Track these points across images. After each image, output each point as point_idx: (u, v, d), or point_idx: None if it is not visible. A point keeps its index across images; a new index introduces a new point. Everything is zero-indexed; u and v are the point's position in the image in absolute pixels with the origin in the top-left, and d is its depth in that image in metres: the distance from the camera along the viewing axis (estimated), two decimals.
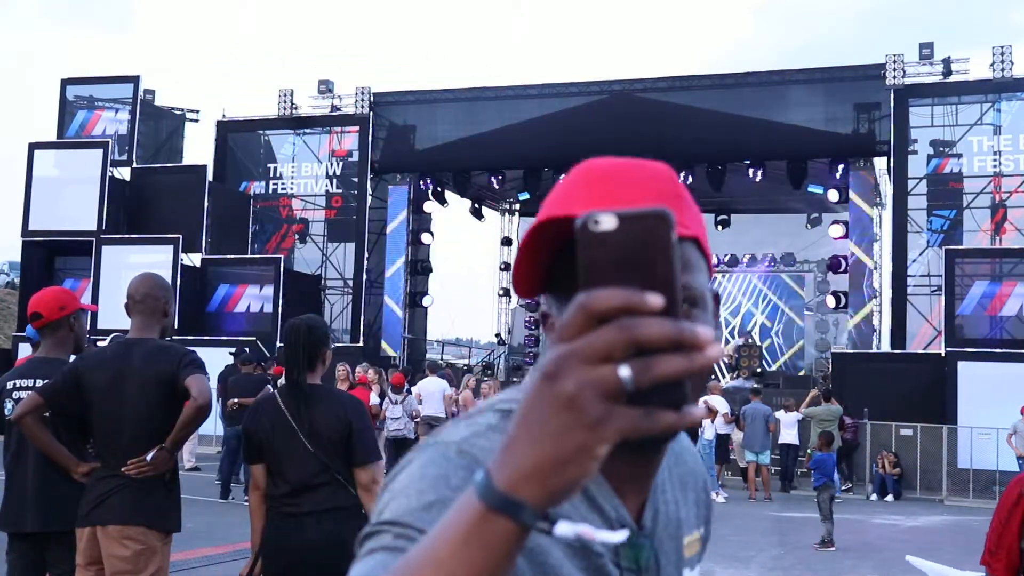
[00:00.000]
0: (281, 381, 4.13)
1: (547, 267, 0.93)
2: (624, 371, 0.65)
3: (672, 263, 0.70)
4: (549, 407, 0.67)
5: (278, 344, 17.62)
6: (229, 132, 23.76)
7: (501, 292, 28.29)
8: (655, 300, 0.67)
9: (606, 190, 0.91)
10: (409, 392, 14.15)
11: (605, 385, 0.65)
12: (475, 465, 0.89)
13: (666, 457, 1.07)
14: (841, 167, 20.44)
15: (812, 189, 21.80)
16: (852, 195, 20.15)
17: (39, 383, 4.12)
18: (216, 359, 13.03)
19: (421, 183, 23.41)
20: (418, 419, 15.17)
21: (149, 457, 3.68)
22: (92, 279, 20.79)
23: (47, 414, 3.89)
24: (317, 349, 3.83)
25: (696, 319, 0.94)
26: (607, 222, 0.69)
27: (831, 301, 22.32)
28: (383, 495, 0.91)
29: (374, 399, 13.27)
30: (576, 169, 0.96)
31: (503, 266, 28.21)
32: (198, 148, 36.33)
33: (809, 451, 14.57)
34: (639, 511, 1.02)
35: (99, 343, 5.60)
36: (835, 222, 21.69)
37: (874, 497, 16.20)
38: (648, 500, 1.03)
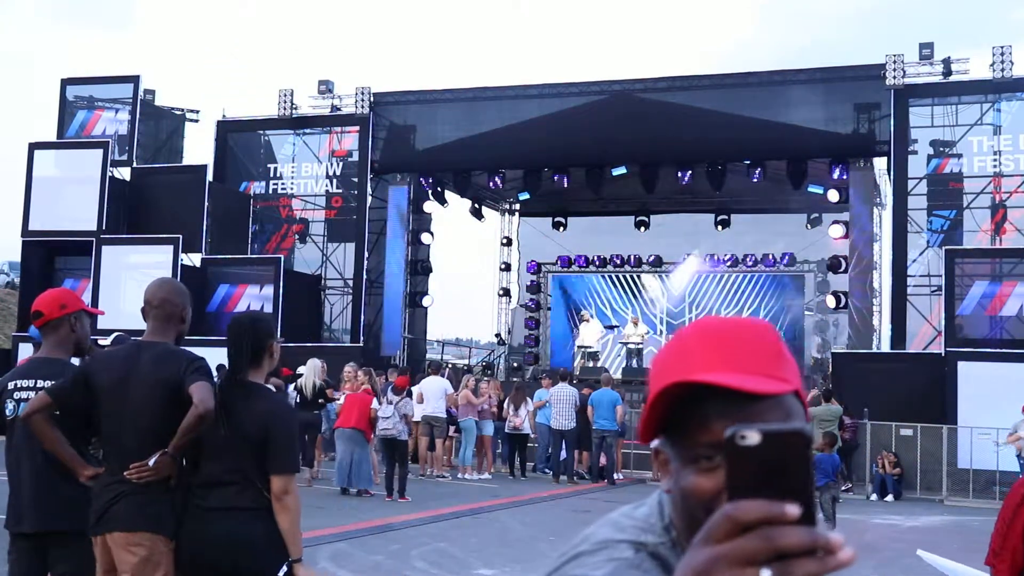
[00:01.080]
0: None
1: (664, 414, 1.08)
2: (766, 574, 0.75)
3: (808, 474, 0.78)
4: None
5: None
6: (229, 132, 23.74)
7: (501, 292, 28.22)
8: (793, 511, 0.75)
9: (719, 350, 1.06)
10: (409, 394, 14.13)
11: None
12: None
13: None
14: (841, 167, 20.45)
15: (812, 189, 21.80)
16: (852, 195, 20.16)
17: (40, 383, 4.11)
18: (216, 360, 12.99)
19: (421, 183, 23.43)
20: (416, 420, 15.16)
21: (151, 462, 3.68)
22: (92, 279, 20.79)
23: (56, 414, 3.88)
24: (263, 343, 3.81)
25: None
26: (752, 437, 0.78)
27: (831, 301, 22.33)
28: None
29: (374, 404, 13.24)
30: (690, 330, 1.13)
31: (503, 266, 28.15)
32: (198, 148, 36.23)
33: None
34: None
35: (100, 342, 5.59)
36: (835, 222, 21.68)
37: (874, 497, 16.20)
38: None
